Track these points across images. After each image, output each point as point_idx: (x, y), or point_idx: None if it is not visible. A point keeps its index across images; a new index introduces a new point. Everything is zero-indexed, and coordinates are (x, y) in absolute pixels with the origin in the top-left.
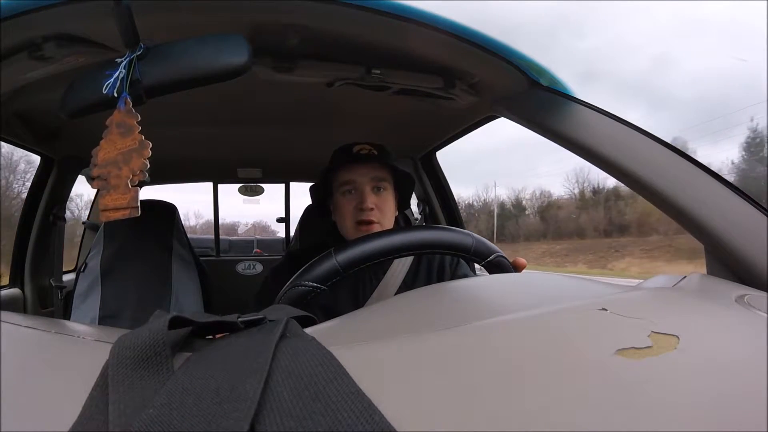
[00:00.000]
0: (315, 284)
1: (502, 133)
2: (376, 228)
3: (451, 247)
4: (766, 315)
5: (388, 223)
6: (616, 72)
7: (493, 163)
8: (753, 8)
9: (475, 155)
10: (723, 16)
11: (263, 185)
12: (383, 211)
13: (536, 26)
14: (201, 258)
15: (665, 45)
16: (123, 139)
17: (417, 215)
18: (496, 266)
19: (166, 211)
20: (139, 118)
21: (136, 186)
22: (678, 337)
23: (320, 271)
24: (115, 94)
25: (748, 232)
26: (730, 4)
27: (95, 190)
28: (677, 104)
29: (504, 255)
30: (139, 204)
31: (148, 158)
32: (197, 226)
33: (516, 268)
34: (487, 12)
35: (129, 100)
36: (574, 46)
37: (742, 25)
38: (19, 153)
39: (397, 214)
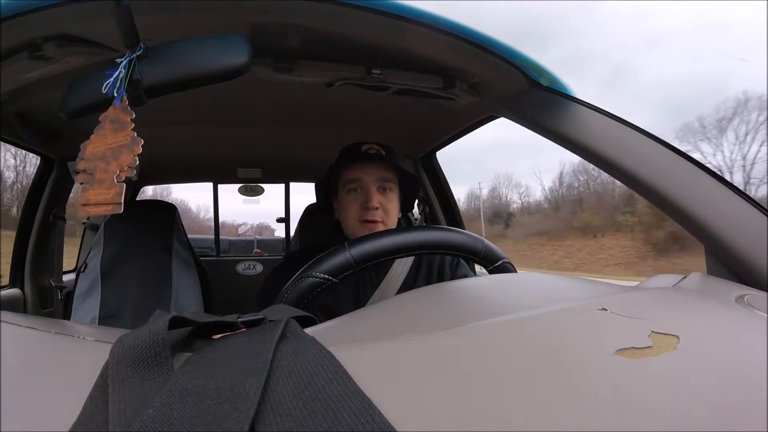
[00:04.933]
0: (326, 276)
1: (479, 135)
2: (380, 227)
3: (463, 250)
4: (766, 315)
5: (392, 223)
6: (580, 81)
7: (474, 163)
8: (711, 17)
9: (462, 154)
10: (683, 25)
11: (263, 185)
12: (388, 211)
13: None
14: (201, 258)
15: (625, 54)
16: (114, 135)
17: (417, 215)
18: (502, 272)
19: (166, 211)
20: (134, 116)
21: (122, 182)
22: (678, 337)
23: (333, 263)
24: (115, 94)
25: (748, 232)
26: (690, 14)
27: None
28: (639, 109)
29: (510, 261)
30: (122, 200)
31: (138, 154)
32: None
33: None
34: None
35: (125, 97)
36: (538, 58)
37: (700, 31)
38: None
39: (400, 215)
